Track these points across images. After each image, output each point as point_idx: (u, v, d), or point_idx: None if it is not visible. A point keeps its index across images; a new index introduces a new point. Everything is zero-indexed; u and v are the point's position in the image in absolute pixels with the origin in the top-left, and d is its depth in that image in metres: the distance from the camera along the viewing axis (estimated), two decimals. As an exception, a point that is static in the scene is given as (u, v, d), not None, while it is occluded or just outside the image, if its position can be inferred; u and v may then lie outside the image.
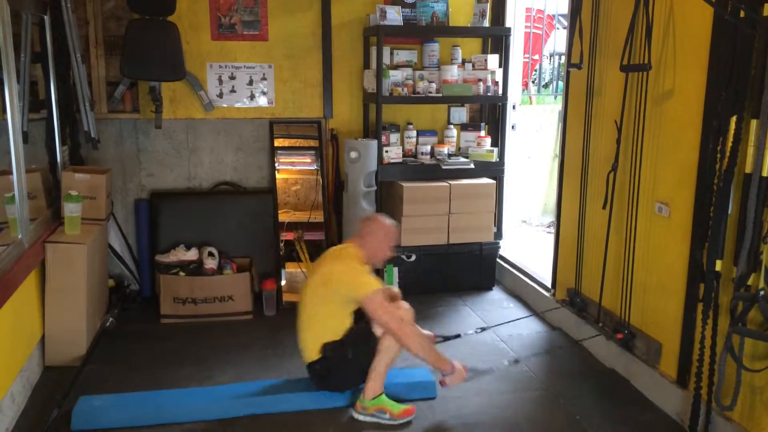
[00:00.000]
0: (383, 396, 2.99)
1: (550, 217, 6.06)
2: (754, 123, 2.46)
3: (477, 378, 3.38)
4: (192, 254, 4.26)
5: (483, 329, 3.18)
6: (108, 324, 3.88)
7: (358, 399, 3.01)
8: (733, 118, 2.53)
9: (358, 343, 3.01)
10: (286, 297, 4.42)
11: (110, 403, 3.04)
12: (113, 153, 4.46)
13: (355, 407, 3.01)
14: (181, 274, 4.15)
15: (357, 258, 3.06)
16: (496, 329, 3.98)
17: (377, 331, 2.98)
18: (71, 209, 3.55)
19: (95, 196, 3.83)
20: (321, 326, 3.05)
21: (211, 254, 4.26)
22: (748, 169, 2.48)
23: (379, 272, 4.54)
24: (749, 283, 2.51)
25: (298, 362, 3.53)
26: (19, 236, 3.11)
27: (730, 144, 2.54)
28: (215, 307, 4.13)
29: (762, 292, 2.46)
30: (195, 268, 4.21)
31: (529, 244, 5.29)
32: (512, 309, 4.41)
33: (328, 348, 3.02)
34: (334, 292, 3.01)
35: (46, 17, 3.67)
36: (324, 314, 3.05)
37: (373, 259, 3.14)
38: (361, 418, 2.99)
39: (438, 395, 3.21)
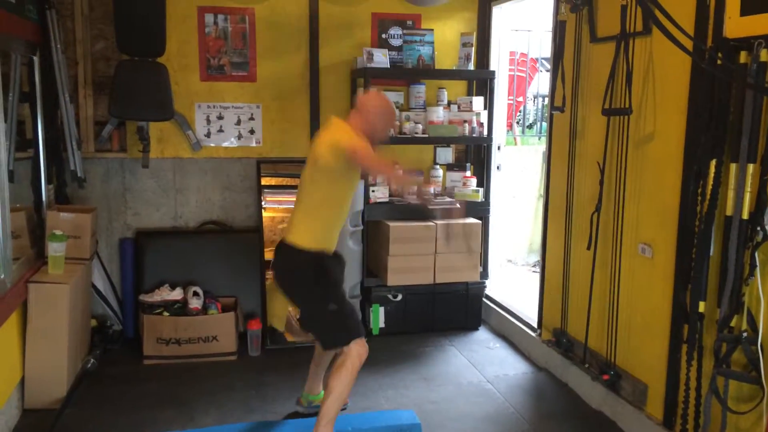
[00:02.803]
0: None
1: (536, 257, 6.08)
2: (733, 167, 2.51)
3: (462, 419, 3.35)
4: (176, 294, 4.23)
5: None
6: (89, 365, 3.82)
7: None
8: (713, 162, 2.58)
9: (343, 308, 2.94)
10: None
11: (90, 447, 2.98)
12: (99, 192, 4.45)
13: None
14: (165, 314, 4.11)
15: (350, 128, 2.88)
16: (482, 370, 3.97)
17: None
18: (55, 248, 3.53)
19: (80, 235, 3.80)
20: (312, 215, 2.93)
21: (195, 294, 4.22)
22: (728, 212, 2.53)
23: (364, 308, 4.53)
24: (732, 324, 2.54)
25: (282, 404, 3.50)
26: (2, 276, 3.07)
27: (710, 187, 2.59)
28: (199, 348, 4.08)
29: (745, 334, 2.48)
30: (179, 308, 4.17)
31: (514, 284, 5.30)
32: (498, 349, 4.40)
33: (322, 261, 2.91)
34: (324, 163, 2.85)
35: (35, 57, 3.70)
36: (316, 200, 2.92)
37: (369, 135, 2.92)
38: None
39: (424, 438, 3.19)
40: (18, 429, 3.20)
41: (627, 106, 3.17)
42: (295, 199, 3.08)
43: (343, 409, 3.04)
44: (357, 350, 2.88)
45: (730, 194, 2.52)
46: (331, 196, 2.95)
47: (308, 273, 2.91)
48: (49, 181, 3.91)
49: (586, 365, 3.59)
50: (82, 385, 3.64)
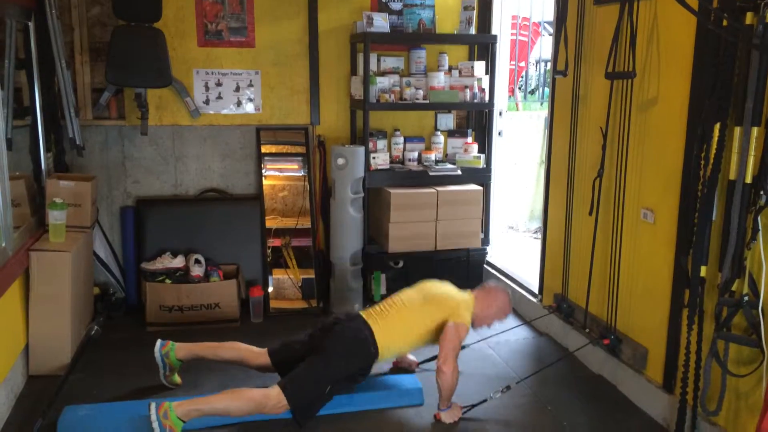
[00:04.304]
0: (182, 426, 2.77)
1: (537, 223, 6.09)
2: (737, 130, 2.49)
3: (464, 384, 3.38)
4: (178, 261, 4.24)
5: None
6: (93, 332, 3.85)
7: (166, 402, 2.75)
8: (717, 126, 2.55)
9: (329, 395, 3.06)
10: (273, 304, 4.41)
11: (96, 412, 3.01)
12: (98, 160, 4.43)
13: (157, 408, 2.73)
14: (167, 281, 4.13)
15: (471, 308, 3.31)
16: (483, 335, 3.99)
17: None
18: (56, 217, 3.52)
19: (80, 203, 3.80)
20: (410, 336, 3.23)
21: (197, 261, 4.24)
22: (731, 176, 2.51)
23: (366, 275, 4.55)
24: (734, 288, 2.54)
25: (285, 370, 3.52)
26: (3, 244, 3.07)
27: (713, 151, 2.57)
28: (202, 315, 4.10)
29: (746, 298, 2.49)
30: (181, 276, 4.19)
31: (516, 250, 5.31)
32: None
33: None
34: (433, 310, 3.23)
35: (30, 23, 3.64)
36: (412, 324, 3.23)
37: (478, 319, 3.35)
38: (153, 422, 2.70)
39: (425, 402, 3.21)
40: (23, 395, 3.24)
41: (630, 69, 3.13)
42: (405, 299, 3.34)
43: None
44: (277, 407, 2.91)
45: (734, 158, 2.50)
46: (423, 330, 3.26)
47: (356, 356, 3.12)
48: (47, 149, 3.89)
49: (587, 330, 3.61)
50: (86, 351, 3.67)
